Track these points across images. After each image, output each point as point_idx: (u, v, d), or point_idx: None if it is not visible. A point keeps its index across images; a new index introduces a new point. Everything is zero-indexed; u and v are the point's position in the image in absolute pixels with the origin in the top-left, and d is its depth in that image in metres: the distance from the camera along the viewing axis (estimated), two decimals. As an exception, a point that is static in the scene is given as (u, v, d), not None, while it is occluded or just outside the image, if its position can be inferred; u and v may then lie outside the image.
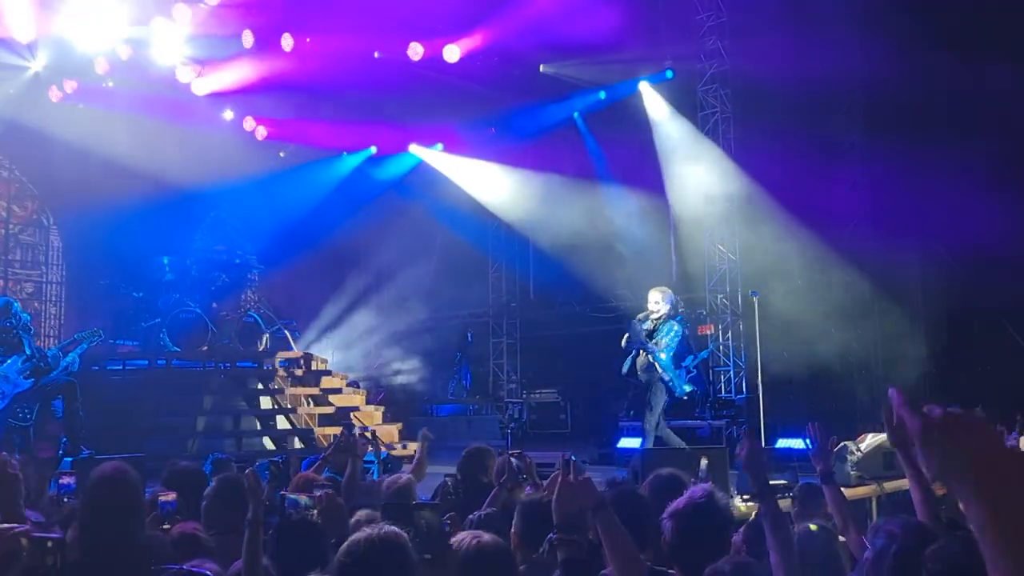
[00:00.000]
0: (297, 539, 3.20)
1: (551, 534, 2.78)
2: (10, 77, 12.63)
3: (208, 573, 2.38)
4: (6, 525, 1.85)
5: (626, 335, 9.64)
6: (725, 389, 13.17)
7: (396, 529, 2.58)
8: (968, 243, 11.19)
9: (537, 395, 13.81)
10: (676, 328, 9.60)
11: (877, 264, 13.22)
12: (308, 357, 13.09)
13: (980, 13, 11.26)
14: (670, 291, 9.82)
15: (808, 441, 4.01)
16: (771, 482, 3.35)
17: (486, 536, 2.86)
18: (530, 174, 15.35)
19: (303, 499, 3.43)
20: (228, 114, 14.40)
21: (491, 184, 15.15)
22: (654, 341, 9.47)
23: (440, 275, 14.84)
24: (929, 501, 3.37)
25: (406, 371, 16.06)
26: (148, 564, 2.60)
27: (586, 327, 14.74)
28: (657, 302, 9.60)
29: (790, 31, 11.83)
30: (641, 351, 9.52)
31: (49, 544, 1.85)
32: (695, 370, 13.01)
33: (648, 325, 9.57)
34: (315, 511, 3.39)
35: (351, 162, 15.95)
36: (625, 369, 9.86)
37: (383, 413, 12.79)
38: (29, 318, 9.29)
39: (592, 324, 14.57)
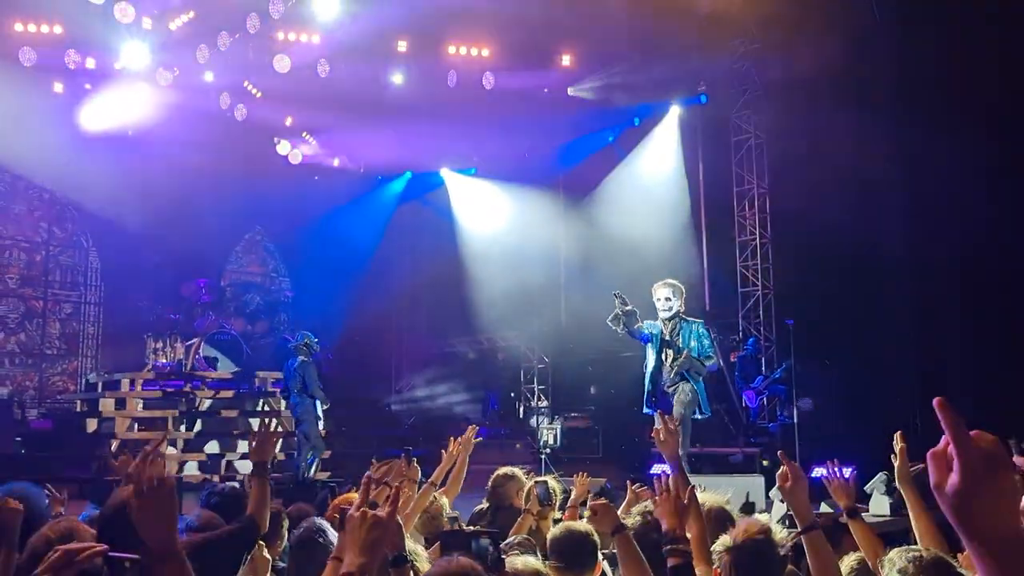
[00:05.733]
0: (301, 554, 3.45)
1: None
2: (52, 101, 12.91)
3: None
4: (81, 544, 1.83)
5: (619, 319, 7.72)
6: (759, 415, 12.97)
7: (471, 562, 2.53)
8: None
9: (568, 419, 13.67)
10: (702, 330, 8.04)
11: (916, 284, 12.97)
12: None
13: None
14: (680, 285, 8.15)
15: (827, 476, 3.70)
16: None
17: None
18: (560, 197, 15.33)
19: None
20: (265, 139, 14.58)
21: (519, 208, 15.12)
22: (679, 351, 7.87)
23: (470, 299, 14.82)
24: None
25: (437, 395, 16.04)
26: None
27: (618, 350, 14.57)
28: (668, 299, 7.95)
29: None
30: (669, 357, 7.89)
31: (127, 564, 1.82)
32: (765, 391, 12.72)
33: (657, 328, 7.95)
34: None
35: (386, 185, 16.09)
36: (650, 388, 7.93)
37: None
38: None
39: (625, 347, 14.40)
